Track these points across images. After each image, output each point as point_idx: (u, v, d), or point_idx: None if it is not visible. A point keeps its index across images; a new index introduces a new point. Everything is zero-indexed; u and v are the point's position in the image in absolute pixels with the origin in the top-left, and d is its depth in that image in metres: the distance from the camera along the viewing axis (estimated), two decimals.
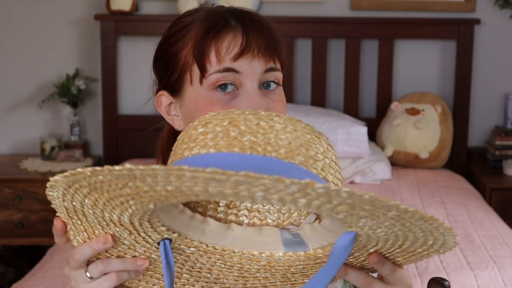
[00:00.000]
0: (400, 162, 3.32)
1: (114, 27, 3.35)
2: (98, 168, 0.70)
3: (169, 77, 1.13)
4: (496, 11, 3.46)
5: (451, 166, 3.43)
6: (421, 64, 3.50)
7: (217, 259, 0.90)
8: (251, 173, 0.64)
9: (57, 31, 3.48)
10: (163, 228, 0.84)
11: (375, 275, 0.92)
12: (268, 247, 0.90)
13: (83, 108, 3.53)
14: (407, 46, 3.48)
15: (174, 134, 1.19)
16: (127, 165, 0.69)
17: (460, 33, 3.37)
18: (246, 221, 0.94)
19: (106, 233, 0.84)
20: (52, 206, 0.83)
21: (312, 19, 3.40)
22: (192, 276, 0.93)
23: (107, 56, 3.37)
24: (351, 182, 3.08)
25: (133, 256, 0.88)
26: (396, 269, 0.87)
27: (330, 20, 3.39)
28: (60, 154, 3.33)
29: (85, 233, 0.86)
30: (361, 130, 3.14)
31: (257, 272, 0.92)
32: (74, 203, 0.80)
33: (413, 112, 3.32)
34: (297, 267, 0.90)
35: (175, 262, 0.90)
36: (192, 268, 0.92)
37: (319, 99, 3.44)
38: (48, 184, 0.78)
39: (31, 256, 3.34)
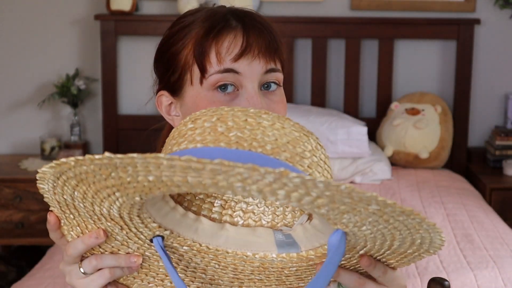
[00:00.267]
0: (400, 162, 3.32)
1: (114, 27, 3.35)
2: (81, 157, 0.71)
3: (169, 77, 1.13)
4: (496, 11, 3.45)
5: (451, 166, 3.43)
6: (421, 64, 3.50)
7: (211, 259, 0.90)
8: (225, 161, 0.64)
9: (57, 31, 3.48)
10: (154, 225, 0.84)
11: None
12: (261, 248, 0.90)
13: (83, 108, 3.53)
14: (407, 46, 3.48)
15: None
16: (107, 153, 0.69)
17: (460, 33, 3.37)
18: (241, 222, 0.94)
19: (98, 228, 0.84)
20: (45, 200, 0.84)
21: (312, 19, 3.40)
22: (187, 276, 0.93)
23: (107, 56, 3.37)
24: (351, 182, 3.08)
25: (126, 253, 0.88)
26: (387, 271, 0.87)
27: (330, 20, 3.39)
28: (60, 154, 3.33)
29: (78, 228, 0.86)
30: (361, 130, 3.14)
31: (251, 273, 0.92)
32: (65, 196, 0.80)
33: (413, 112, 3.32)
34: (291, 269, 0.90)
35: None
36: (187, 267, 0.92)
37: (319, 99, 3.44)
38: (37, 176, 0.79)
39: (31, 256, 3.34)
